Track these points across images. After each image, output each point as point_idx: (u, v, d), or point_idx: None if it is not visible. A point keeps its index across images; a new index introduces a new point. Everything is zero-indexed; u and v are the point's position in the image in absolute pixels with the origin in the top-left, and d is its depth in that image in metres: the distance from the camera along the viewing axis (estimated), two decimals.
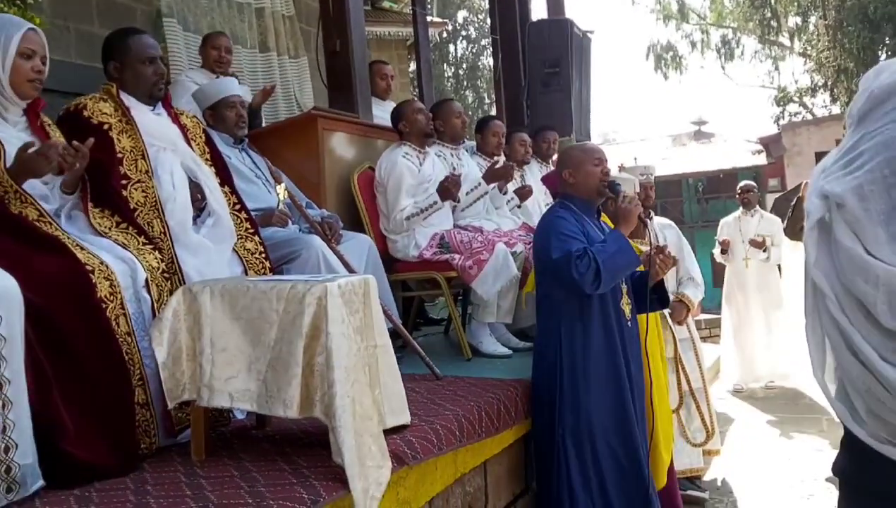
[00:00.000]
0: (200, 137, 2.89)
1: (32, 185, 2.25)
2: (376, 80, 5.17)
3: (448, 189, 3.89)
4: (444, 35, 20.88)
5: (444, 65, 22.38)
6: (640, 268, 3.06)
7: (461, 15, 22.25)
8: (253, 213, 3.20)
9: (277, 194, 3.38)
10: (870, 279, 1.08)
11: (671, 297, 4.29)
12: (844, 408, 1.18)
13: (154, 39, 2.76)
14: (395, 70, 10.03)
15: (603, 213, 3.44)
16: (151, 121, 2.66)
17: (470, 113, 21.11)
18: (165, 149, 2.63)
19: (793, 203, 7.89)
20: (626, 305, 3.06)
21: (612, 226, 3.20)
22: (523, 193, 4.61)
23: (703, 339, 8.89)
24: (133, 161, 2.53)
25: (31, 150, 2.15)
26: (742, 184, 7.51)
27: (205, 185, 2.66)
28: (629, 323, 3.06)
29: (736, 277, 7.21)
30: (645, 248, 3.61)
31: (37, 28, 2.35)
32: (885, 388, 1.08)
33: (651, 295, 3.05)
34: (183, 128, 2.79)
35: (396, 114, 4.09)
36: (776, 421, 6.03)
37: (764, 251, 6.90)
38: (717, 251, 7.22)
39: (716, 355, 7.78)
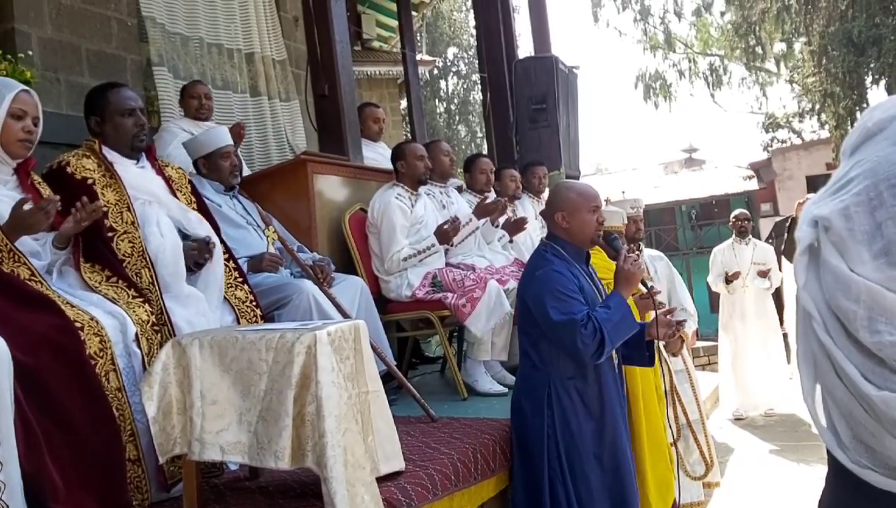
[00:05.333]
0: (186, 187, 2.91)
1: (23, 241, 2.27)
2: (369, 124, 5.22)
3: (446, 233, 3.92)
4: (435, 71, 21.09)
5: (436, 100, 22.56)
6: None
7: (451, 51, 22.50)
8: (245, 259, 3.22)
9: (266, 238, 3.40)
10: (851, 295, 1.11)
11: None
12: (832, 436, 1.20)
13: (135, 92, 2.80)
14: (387, 108, 10.13)
15: (599, 248, 3.40)
16: (135, 175, 2.69)
17: (463, 147, 21.26)
18: (150, 202, 2.65)
19: (787, 224, 7.98)
20: (613, 356, 2.90)
21: (596, 265, 3.14)
22: (516, 226, 4.62)
23: (703, 367, 8.91)
24: (119, 213, 2.56)
25: (26, 206, 2.17)
26: (737, 212, 7.56)
27: (193, 233, 2.67)
28: (616, 371, 2.92)
29: (734, 305, 7.22)
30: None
31: (30, 90, 2.39)
32: (864, 410, 1.11)
33: (644, 351, 2.91)
34: (168, 179, 2.81)
35: (398, 153, 4.12)
36: (776, 449, 6.00)
37: (767, 279, 6.97)
38: (721, 284, 7.18)
39: (715, 383, 7.77)
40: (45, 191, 2.47)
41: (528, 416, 2.85)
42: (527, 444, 2.85)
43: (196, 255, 2.65)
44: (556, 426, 2.72)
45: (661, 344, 4.11)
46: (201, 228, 2.76)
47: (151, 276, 2.49)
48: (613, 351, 2.89)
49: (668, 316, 2.80)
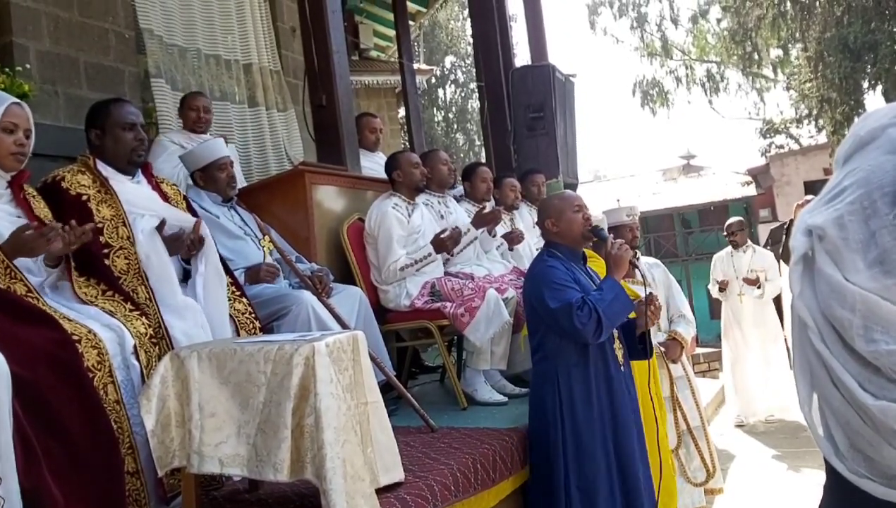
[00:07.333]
0: (181, 204, 2.91)
1: (17, 259, 2.26)
2: (366, 134, 5.21)
3: (443, 242, 3.91)
4: (433, 80, 21.15)
5: (434, 109, 22.60)
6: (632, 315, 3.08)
7: (448, 60, 22.56)
8: (242, 270, 3.22)
9: (262, 248, 3.40)
10: (846, 304, 1.11)
11: (664, 336, 4.31)
12: (829, 445, 1.20)
13: (137, 108, 2.80)
14: (385, 117, 10.16)
15: (593, 255, 3.47)
16: (130, 190, 2.69)
17: (461, 155, 21.29)
18: (144, 215, 2.65)
19: (785, 228, 7.97)
20: (618, 349, 3.07)
21: (597, 269, 3.22)
22: (513, 238, 4.64)
23: (704, 373, 8.90)
24: (114, 228, 2.56)
25: (28, 232, 2.18)
26: (729, 222, 7.51)
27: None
28: (622, 367, 3.06)
29: (732, 313, 7.24)
30: (636, 288, 3.65)
31: (21, 102, 2.39)
32: (861, 419, 1.11)
33: (637, 345, 3.11)
34: (164, 195, 2.81)
35: (392, 163, 4.12)
36: (778, 455, 5.99)
37: (758, 288, 6.94)
38: (714, 289, 7.24)
39: (716, 389, 7.76)
40: (39, 204, 2.47)
41: (540, 406, 2.98)
42: (539, 434, 2.97)
43: (177, 246, 2.63)
44: (564, 411, 2.89)
45: (661, 349, 4.13)
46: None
47: (148, 292, 2.48)
48: (619, 344, 3.06)
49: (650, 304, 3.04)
